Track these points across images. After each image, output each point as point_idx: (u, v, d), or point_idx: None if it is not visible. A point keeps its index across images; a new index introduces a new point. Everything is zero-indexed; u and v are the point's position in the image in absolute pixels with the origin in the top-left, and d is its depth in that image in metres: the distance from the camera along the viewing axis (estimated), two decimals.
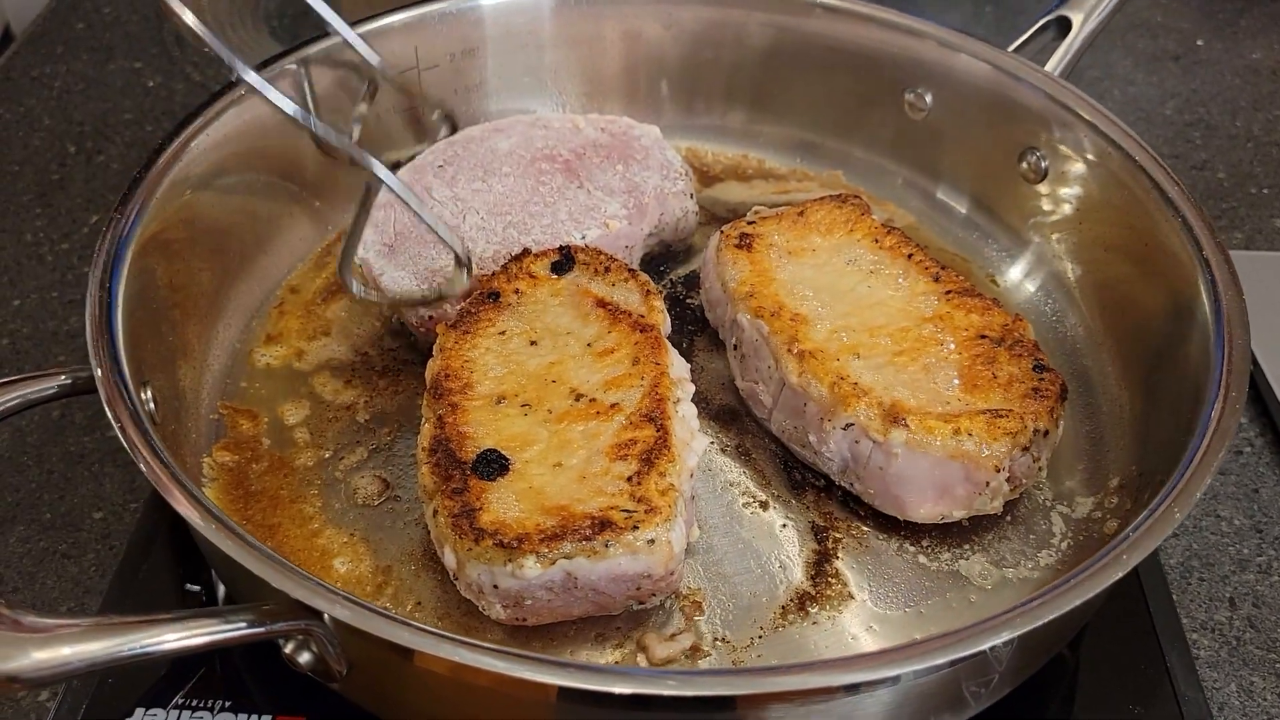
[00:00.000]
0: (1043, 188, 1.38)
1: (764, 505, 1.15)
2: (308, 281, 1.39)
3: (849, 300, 1.18)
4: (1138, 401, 1.20)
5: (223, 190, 1.30)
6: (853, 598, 1.06)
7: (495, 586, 0.96)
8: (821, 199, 1.30)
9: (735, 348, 1.22)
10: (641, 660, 1.01)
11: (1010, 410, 1.06)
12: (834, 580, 1.08)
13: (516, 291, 1.19)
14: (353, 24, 1.42)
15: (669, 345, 1.14)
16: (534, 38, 1.50)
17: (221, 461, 1.17)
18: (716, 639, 1.03)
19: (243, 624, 0.82)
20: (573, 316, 1.17)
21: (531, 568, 0.94)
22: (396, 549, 1.10)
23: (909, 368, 1.11)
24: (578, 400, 1.08)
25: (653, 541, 0.95)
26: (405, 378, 1.27)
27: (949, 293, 1.18)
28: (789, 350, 1.13)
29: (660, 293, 1.21)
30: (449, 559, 0.99)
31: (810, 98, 1.53)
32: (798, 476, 1.17)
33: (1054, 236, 1.38)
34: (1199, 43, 2.03)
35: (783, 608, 1.06)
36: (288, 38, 1.86)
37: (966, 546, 1.11)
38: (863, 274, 1.21)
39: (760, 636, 1.03)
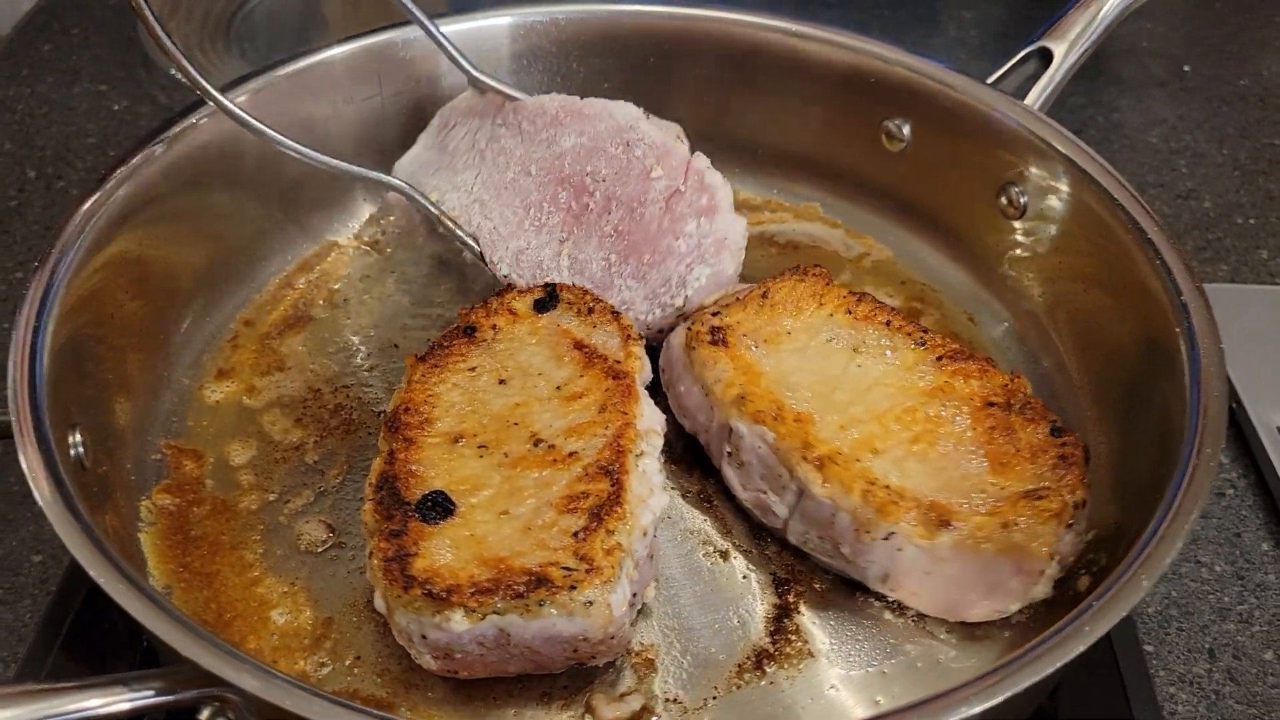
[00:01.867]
0: (1021, 223, 1.33)
1: (724, 555, 1.10)
2: (264, 314, 1.35)
3: (845, 386, 1.10)
4: (1114, 445, 1.16)
5: (171, 219, 1.26)
6: (813, 656, 1.01)
7: (424, 637, 0.92)
8: (780, 275, 1.20)
9: (730, 456, 1.10)
10: None
11: (1048, 488, 1.00)
12: (794, 637, 1.03)
13: (494, 327, 1.15)
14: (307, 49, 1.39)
15: (643, 394, 1.09)
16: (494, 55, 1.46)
17: (161, 504, 1.12)
18: (668, 699, 0.98)
19: (150, 691, 0.78)
20: (547, 357, 1.12)
21: (459, 621, 0.90)
22: (339, 599, 1.05)
23: (929, 455, 1.04)
24: (536, 445, 1.03)
25: (590, 603, 0.90)
26: (359, 415, 1.23)
27: (940, 359, 1.12)
28: (804, 458, 1.02)
29: (641, 339, 1.16)
30: (379, 603, 0.95)
31: (786, 127, 1.49)
32: (761, 525, 1.12)
33: (1031, 272, 1.34)
34: (1186, 69, 1.99)
35: (739, 666, 1.01)
36: (259, 60, 1.83)
37: None
38: (848, 352, 1.13)
39: (715, 698, 0.98)
